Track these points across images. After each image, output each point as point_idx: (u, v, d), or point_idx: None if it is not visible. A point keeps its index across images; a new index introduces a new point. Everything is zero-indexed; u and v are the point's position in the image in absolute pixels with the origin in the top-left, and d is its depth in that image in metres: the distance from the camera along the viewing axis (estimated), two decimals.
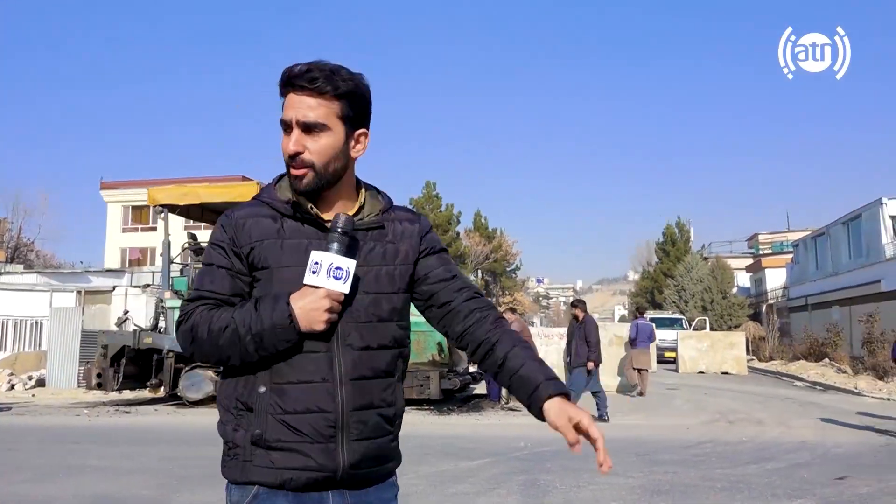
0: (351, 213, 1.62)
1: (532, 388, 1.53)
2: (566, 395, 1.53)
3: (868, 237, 26.80)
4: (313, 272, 1.50)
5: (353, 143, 1.61)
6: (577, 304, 11.79)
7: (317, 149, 1.55)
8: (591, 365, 10.82)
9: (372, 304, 1.58)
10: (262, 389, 1.52)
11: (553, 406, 1.51)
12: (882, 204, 25.63)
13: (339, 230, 1.52)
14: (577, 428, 1.47)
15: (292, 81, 1.55)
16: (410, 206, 1.75)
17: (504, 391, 13.33)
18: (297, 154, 1.55)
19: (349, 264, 1.50)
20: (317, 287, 1.49)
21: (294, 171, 1.57)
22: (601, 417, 10.66)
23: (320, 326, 1.50)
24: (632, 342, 15.55)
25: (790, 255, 40.23)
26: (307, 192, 1.58)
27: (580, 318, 11.16)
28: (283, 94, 1.58)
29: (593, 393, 11.00)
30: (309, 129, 1.55)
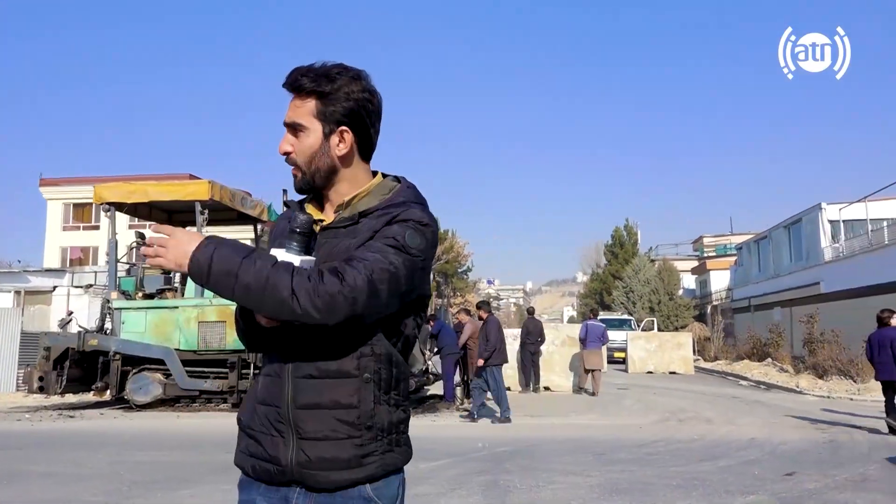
0: (333, 209, 1.65)
1: None
2: None
3: (808, 241, 27.72)
4: None
5: (336, 140, 1.61)
6: (482, 305, 12.13)
7: (300, 149, 1.61)
8: (480, 361, 10.99)
9: None
10: (254, 377, 1.62)
11: None
12: (821, 209, 26.52)
13: (296, 230, 1.55)
14: None
15: (287, 85, 1.63)
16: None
17: (459, 392, 13.35)
18: (287, 154, 1.63)
19: (305, 262, 1.51)
20: None
21: (293, 171, 1.66)
22: (505, 417, 10.71)
23: (261, 321, 1.53)
24: (582, 342, 15.73)
25: (734, 258, 41.35)
26: (303, 191, 1.66)
27: (484, 318, 11.41)
28: (292, 95, 1.65)
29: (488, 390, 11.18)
30: (294, 129, 1.61)
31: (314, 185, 1.64)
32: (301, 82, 1.59)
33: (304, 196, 1.71)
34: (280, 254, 1.50)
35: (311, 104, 1.59)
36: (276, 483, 1.54)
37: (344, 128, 1.62)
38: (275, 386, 1.55)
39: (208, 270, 1.44)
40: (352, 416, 1.52)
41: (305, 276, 1.44)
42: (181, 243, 1.47)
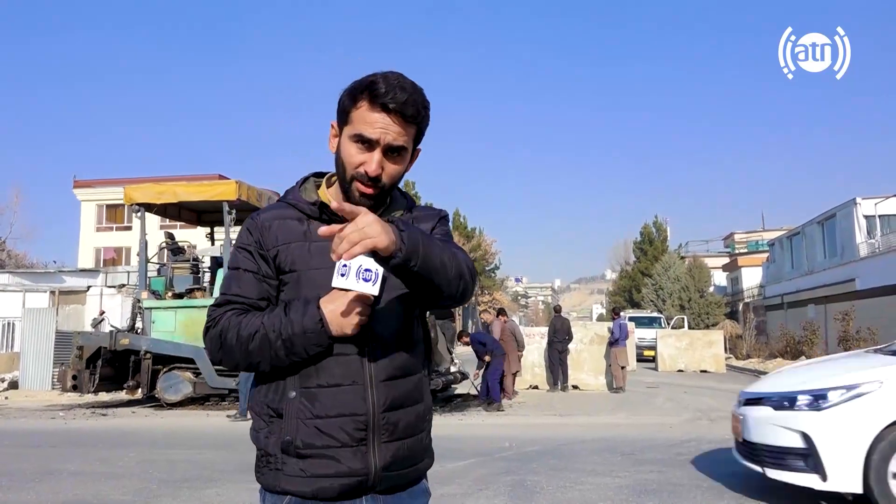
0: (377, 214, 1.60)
1: None
2: None
3: (843, 236, 27.18)
4: (342, 275, 1.44)
5: (412, 160, 1.65)
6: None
7: (391, 172, 1.57)
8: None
9: (397, 304, 1.57)
10: (293, 394, 1.51)
11: None
12: (856, 204, 26.00)
13: None
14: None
15: (386, 104, 1.50)
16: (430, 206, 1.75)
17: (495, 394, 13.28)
18: (377, 176, 1.54)
19: (378, 265, 1.43)
20: (346, 290, 1.45)
21: (363, 189, 1.55)
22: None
23: (351, 330, 1.48)
24: (617, 341, 15.70)
25: (766, 255, 40.73)
26: (365, 205, 1.52)
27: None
28: (369, 108, 1.52)
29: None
30: (391, 152, 1.55)
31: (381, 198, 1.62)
32: (420, 114, 1.55)
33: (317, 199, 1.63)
34: (353, 259, 1.47)
35: (412, 131, 1.56)
36: (346, 497, 1.51)
37: (419, 147, 1.65)
38: (349, 395, 1.50)
39: (421, 247, 1.38)
40: (421, 410, 1.60)
41: (462, 254, 1.54)
42: (376, 220, 1.35)
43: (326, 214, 1.57)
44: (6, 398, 15.41)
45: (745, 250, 49.88)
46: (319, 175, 1.72)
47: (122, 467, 7.15)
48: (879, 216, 25.37)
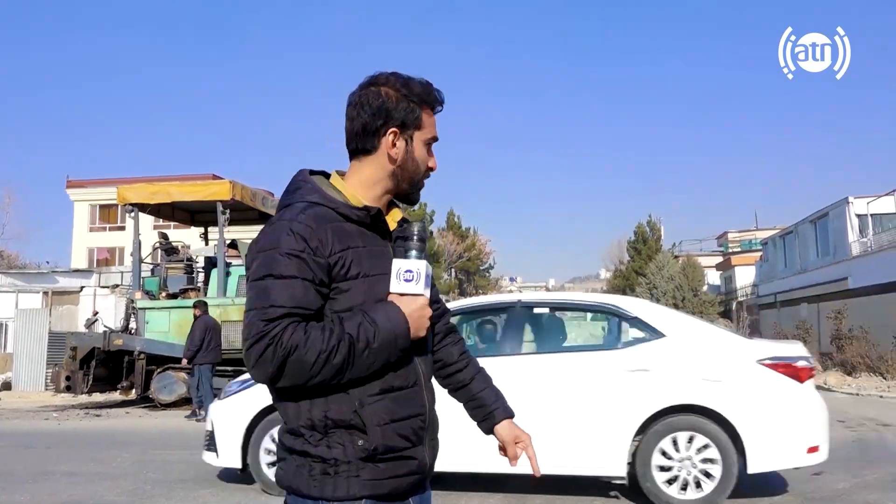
0: (399, 217, 1.71)
1: (490, 409, 1.80)
2: (513, 417, 1.81)
3: (835, 235, 27.29)
4: (407, 280, 1.52)
5: None
6: (197, 304, 11.91)
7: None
8: (184, 361, 11.34)
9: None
10: (368, 402, 1.51)
11: (504, 426, 1.79)
12: (848, 203, 26.11)
13: (418, 237, 1.58)
14: (518, 445, 1.77)
15: (440, 104, 1.70)
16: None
17: None
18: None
19: (431, 271, 1.58)
20: (416, 295, 1.54)
21: (421, 185, 1.70)
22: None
23: (424, 333, 1.57)
24: None
25: (759, 253, 40.87)
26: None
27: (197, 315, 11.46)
28: (430, 112, 1.68)
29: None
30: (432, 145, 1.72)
31: None
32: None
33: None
34: (419, 264, 1.55)
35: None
36: (413, 493, 1.60)
37: None
38: (411, 398, 1.57)
39: None
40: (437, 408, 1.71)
41: None
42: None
43: (379, 221, 1.61)
44: None
45: (739, 249, 50.02)
46: (315, 173, 1.70)
47: (117, 468, 7.14)
48: (871, 215, 25.47)
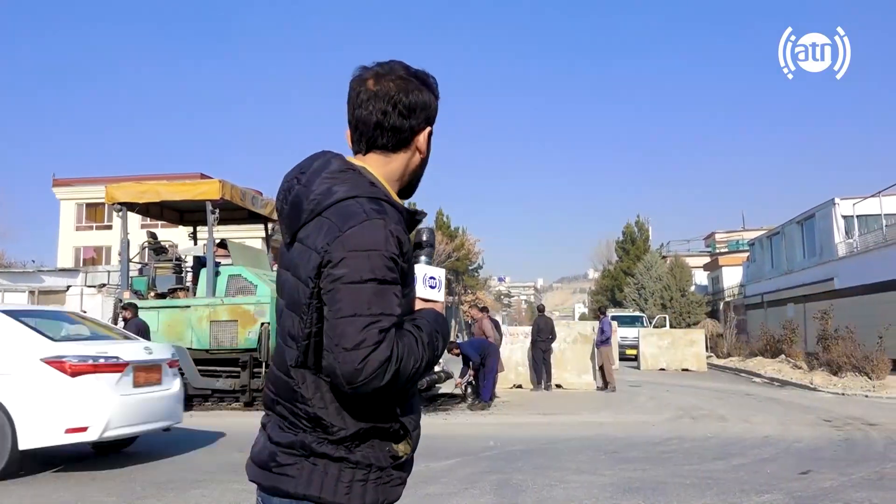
0: None
1: None
2: None
3: (821, 236, 27.51)
4: (431, 287, 1.55)
5: None
6: (127, 306, 11.83)
7: None
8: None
9: None
10: (398, 409, 1.52)
11: None
12: (835, 204, 26.32)
13: (428, 242, 1.60)
14: None
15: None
16: None
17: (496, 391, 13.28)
18: None
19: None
20: (438, 301, 1.57)
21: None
22: None
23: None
24: (608, 340, 15.88)
25: (746, 254, 41.13)
26: None
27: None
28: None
29: None
30: None
31: None
32: None
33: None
34: (437, 271, 1.58)
35: None
36: None
37: None
38: (418, 403, 1.63)
39: None
40: None
41: None
42: None
43: (412, 221, 1.60)
44: None
45: (726, 250, 50.33)
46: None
47: (105, 469, 7.09)
48: (857, 216, 25.69)
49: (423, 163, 1.65)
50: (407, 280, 1.49)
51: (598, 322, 16.65)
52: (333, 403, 1.47)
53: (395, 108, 1.55)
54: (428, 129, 1.61)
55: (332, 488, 1.46)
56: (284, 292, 1.57)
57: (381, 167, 1.59)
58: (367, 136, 1.58)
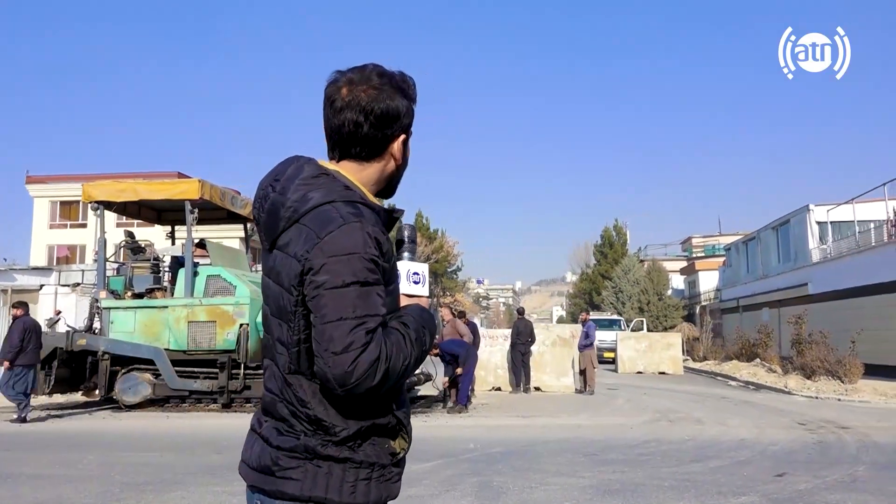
0: None
1: None
2: None
3: (796, 242, 27.91)
4: (415, 282, 1.57)
5: None
6: (18, 304, 11.79)
7: None
8: (6, 364, 11.12)
9: None
10: (396, 405, 1.56)
11: None
12: (809, 210, 26.72)
13: (410, 239, 1.62)
14: None
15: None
16: None
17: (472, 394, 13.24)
18: None
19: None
20: (422, 296, 1.59)
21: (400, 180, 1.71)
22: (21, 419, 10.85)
23: None
24: (591, 344, 15.97)
25: (722, 259, 41.58)
26: None
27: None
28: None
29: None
30: None
31: None
32: None
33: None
34: (421, 266, 1.61)
35: None
36: None
37: None
38: (406, 397, 1.65)
39: None
40: None
41: None
42: None
43: (389, 222, 1.60)
44: None
45: (703, 254, 50.85)
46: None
47: (83, 470, 7.01)
48: (831, 223, 26.10)
49: (401, 167, 1.66)
50: (390, 278, 1.51)
51: (581, 325, 16.69)
52: (333, 405, 1.48)
53: (367, 118, 1.54)
54: (402, 136, 1.61)
55: (337, 489, 1.47)
56: (269, 299, 1.57)
57: (356, 174, 1.59)
58: (341, 145, 1.59)
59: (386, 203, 1.70)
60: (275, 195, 1.55)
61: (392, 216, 1.59)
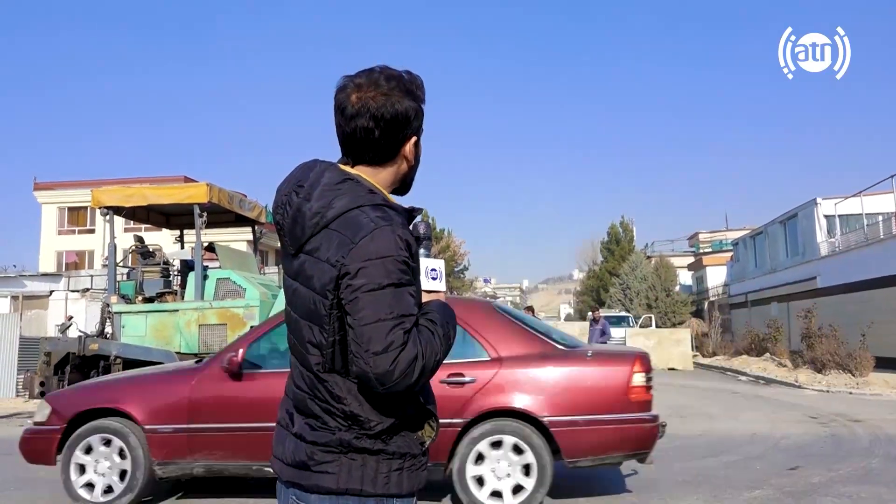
0: None
1: None
2: None
3: (804, 236, 27.83)
4: (433, 278, 1.60)
5: None
6: None
7: None
8: None
9: None
10: (424, 398, 1.60)
11: None
12: (817, 204, 26.64)
13: (425, 236, 1.64)
14: None
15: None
16: None
17: None
18: None
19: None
20: (439, 291, 1.63)
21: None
22: None
23: None
24: (606, 342, 16.02)
25: (730, 254, 41.49)
26: None
27: None
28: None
29: None
30: None
31: None
32: None
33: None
34: (438, 263, 1.65)
35: None
36: None
37: None
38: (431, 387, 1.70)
39: None
40: None
41: None
42: None
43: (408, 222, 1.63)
44: None
45: (710, 250, 50.71)
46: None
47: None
48: (839, 216, 26.02)
49: (413, 167, 1.70)
50: (416, 277, 1.56)
51: (597, 323, 16.50)
52: (369, 401, 1.53)
53: (377, 125, 1.57)
54: (413, 138, 1.64)
55: (372, 480, 1.52)
56: (297, 303, 1.60)
57: (372, 178, 1.63)
58: (354, 151, 1.62)
59: (405, 203, 1.73)
60: (299, 200, 1.58)
61: (412, 215, 1.63)
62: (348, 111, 1.58)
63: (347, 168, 1.63)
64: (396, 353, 1.41)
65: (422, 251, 1.61)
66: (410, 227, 1.62)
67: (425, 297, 1.61)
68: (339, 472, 1.52)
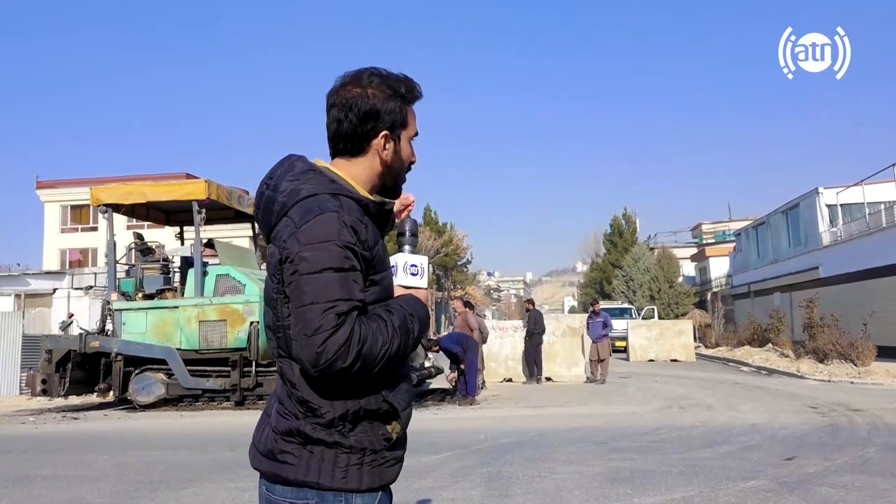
0: None
1: None
2: None
3: (806, 225, 27.77)
4: (413, 274, 1.62)
5: None
6: None
7: None
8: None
9: None
10: (389, 390, 1.58)
11: None
12: (819, 193, 26.57)
13: (411, 232, 1.67)
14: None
15: (420, 98, 1.74)
16: None
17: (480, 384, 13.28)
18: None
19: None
20: (420, 288, 1.64)
21: (404, 179, 1.77)
22: None
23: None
24: (608, 335, 16.02)
25: (733, 244, 41.43)
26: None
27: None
28: (412, 106, 1.73)
29: None
30: None
31: None
32: None
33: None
34: (420, 259, 1.65)
35: None
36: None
37: None
38: (409, 384, 1.70)
39: None
40: None
41: None
42: None
43: (385, 217, 1.66)
44: None
45: (713, 241, 50.66)
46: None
47: (97, 470, 7.10)
48: (841, 205, 25.96)
49: (392, 165, 1.70)
50: (377, 267, 1.56)
51: (597, 316, 16.44)
52: (314, 387, 1.53)
53: (347, 115, 1.63)
54: (384, 132, 1.65)
55: (329, 473, 1.51)
56: (265, 290, 1.67)
57: (345, 170, 1.67)
58: (330, 142, 1.69)
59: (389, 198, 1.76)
60: (268, 192, 1.63)
61: (384, 208, 1.65)
62: (328, 102, 1.68)
63: (317, 161, 1.69)
64: (326, 336, 1.40)
65: (406, 247, 1.63)
66: (398, 223, 1.67)
67: (401, 292, 1.62)
68: (298, 464, 1.53)
